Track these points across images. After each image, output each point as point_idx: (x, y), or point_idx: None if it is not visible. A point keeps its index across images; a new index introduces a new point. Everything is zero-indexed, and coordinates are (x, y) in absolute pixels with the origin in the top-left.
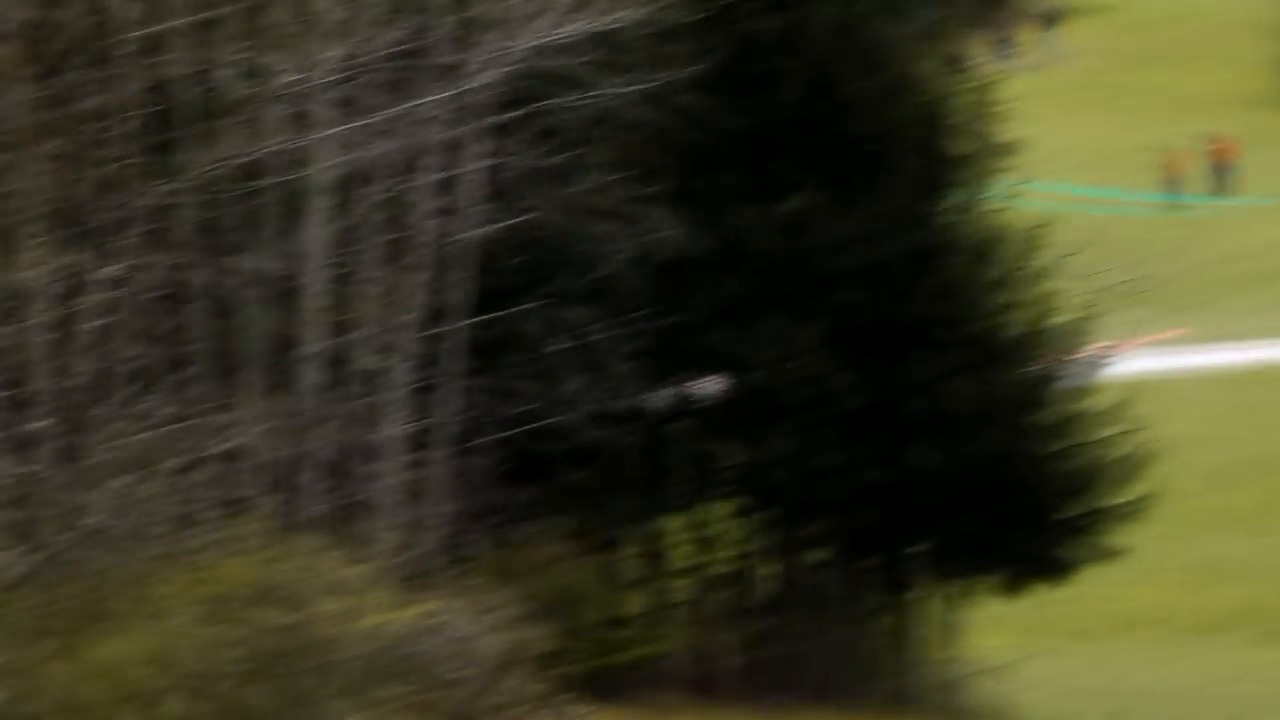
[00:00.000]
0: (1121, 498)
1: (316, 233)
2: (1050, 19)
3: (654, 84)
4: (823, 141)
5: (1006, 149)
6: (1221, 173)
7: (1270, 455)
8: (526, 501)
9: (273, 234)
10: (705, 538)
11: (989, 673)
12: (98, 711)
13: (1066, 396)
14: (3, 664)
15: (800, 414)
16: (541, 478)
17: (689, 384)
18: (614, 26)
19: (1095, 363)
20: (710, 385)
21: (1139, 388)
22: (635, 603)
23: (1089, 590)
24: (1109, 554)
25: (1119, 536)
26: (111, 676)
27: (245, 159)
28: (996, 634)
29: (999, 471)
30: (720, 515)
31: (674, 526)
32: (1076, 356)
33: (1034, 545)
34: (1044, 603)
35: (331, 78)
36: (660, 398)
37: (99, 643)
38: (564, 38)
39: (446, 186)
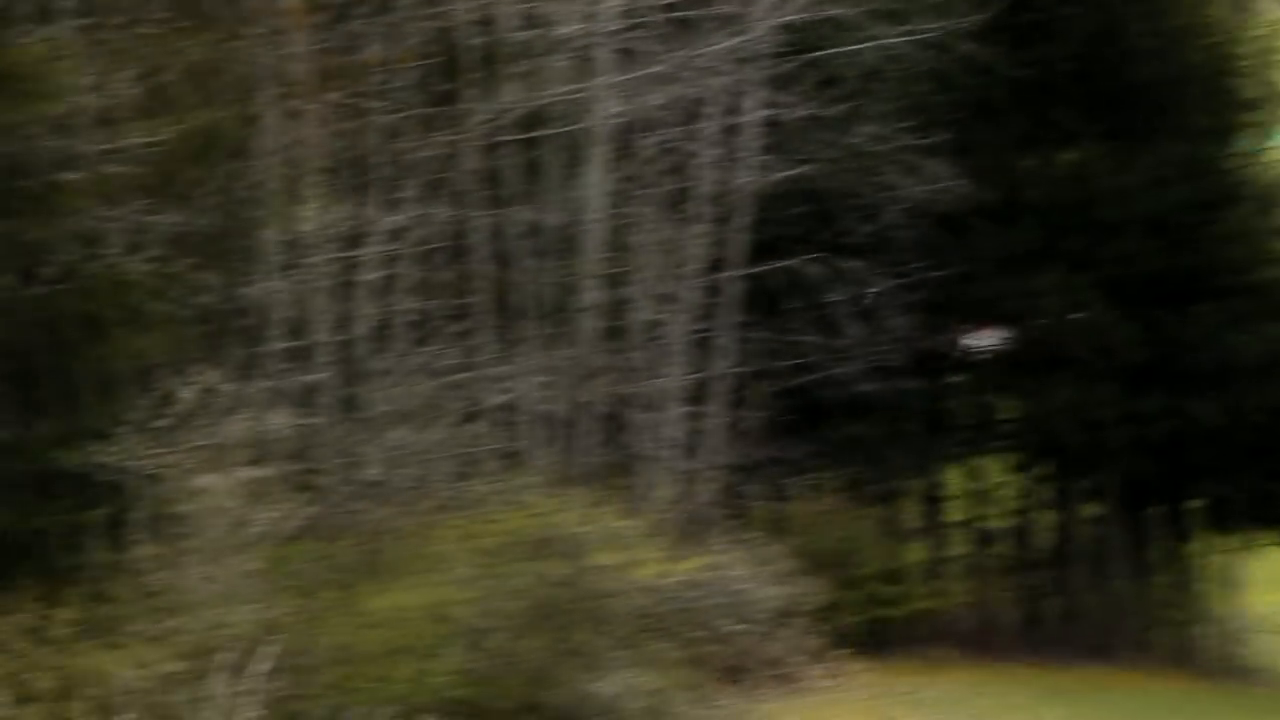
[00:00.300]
0: None
1: (596, 183)
2: None
3: (934, 32)
4: (1104, 90)
5: None
6: None
7: None
8: (803, 453)
9: (552, 184)
10: (983, 491)
11: (1269, 630)
12: (375, 662)
13: None
14: (283, 615)
15: (1080, 366)
16: (818, 429)
17: (967, 336)
18: None
19: None
20: (988, 337)
21: None
22: (912, 556)
23: None
24: None
25: None
26: (389, 628)
27: (526, 109)
28: (1278, 591)
29: None
30: (998, 468)
31: (951, 479)
32: None
33: None
34: None
35: (612, 26)
36: (939, 349)
37: (377, 594)
38: None
39: (726, 136)
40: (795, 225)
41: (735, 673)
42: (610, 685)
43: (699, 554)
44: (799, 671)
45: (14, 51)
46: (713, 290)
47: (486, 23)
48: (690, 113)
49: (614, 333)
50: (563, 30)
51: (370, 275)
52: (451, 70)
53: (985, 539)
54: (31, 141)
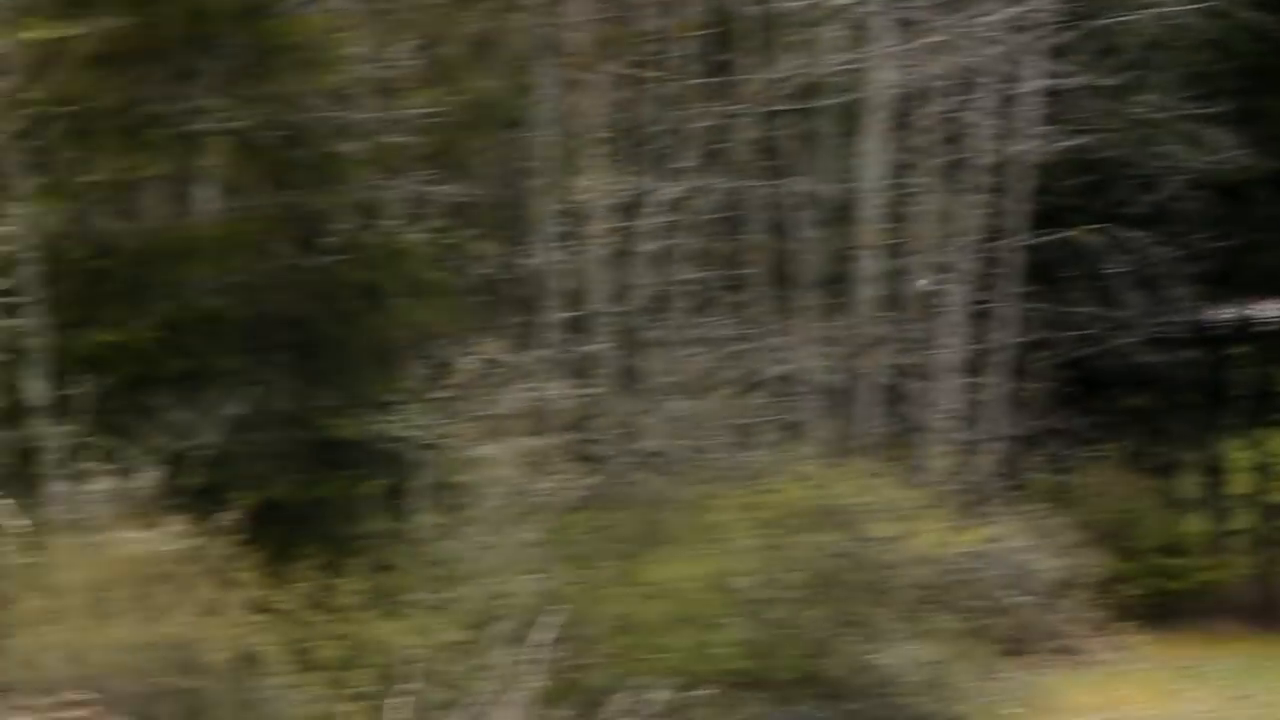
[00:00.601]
0: None
1: (873, 152)
2: None
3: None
4: None
5: None
6: None
7: None
8: (1083, 424)
9: (829, 154)
10: (1265, 463)
11: None
12: (655, 632)
13: None
14: (563, 585)
15: None
16: (1098, 400)
17: (1250, 307)
18: None
19: None
20: (1272, 308)
21: None
22: (1194, 529)
23: None
24: None
25: None
26: (669, 598)
27: (802, 78)
28: None
29: None
30: None
31: (1234, 452)
32: None
33: None
34: None
35: None
36: (1220, 321)
37: (656, 565)
38: None
39: (1004, 106)
40: (1075, 195)
41: (1016, 645)
42: (890, 657)
43: (979, 525)
44: (1080, 644)
45: (295, 22)
46: (991, 260)
47: None
48: (968, 82)
49: (892, 303)
50: None
51: (648, 245)
52: (728, 40)
53: (1270, 512)
54: (311, 112)
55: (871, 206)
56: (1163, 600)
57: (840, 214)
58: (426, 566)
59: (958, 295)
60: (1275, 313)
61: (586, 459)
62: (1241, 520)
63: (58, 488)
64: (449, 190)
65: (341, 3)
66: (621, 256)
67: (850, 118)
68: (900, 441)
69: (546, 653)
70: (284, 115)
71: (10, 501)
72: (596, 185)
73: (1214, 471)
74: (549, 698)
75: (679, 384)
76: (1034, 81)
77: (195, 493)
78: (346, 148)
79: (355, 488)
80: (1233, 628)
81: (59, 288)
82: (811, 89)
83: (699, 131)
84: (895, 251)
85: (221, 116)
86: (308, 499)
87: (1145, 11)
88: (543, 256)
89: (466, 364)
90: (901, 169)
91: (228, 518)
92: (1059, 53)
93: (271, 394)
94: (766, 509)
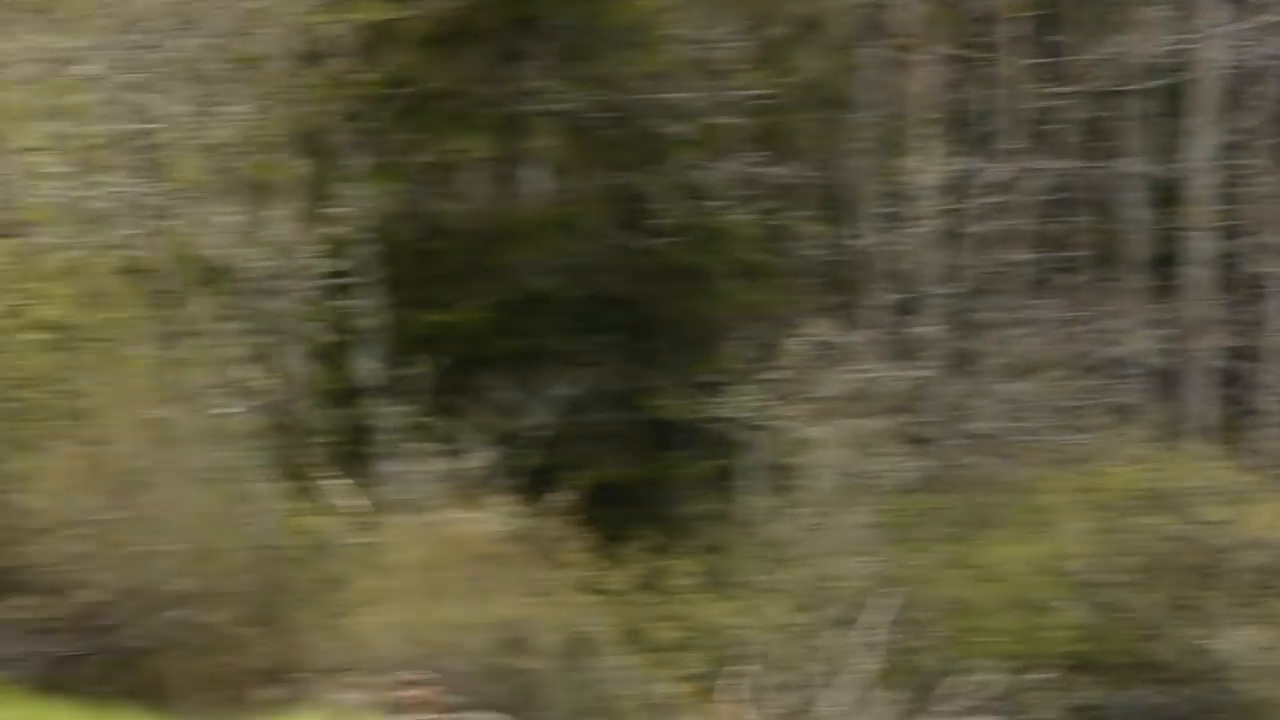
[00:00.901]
0: None
1: (1204, 133)
2: None
3: None
4: None
5: None
6: None
7: None
8: None
9: (1159, 135)
10: None
11: None
12: (987, 615)
13: None
14: (896, 568)
15: None
16: None
17: None
18: None
19: None
20: None
21: None
22: None
23: None
24: None
25: None
26: (1001, 581)
27: (1133, 59)
28: None
29: None
30: None
31: None
32: None
33: None
34: None
35: None
36: None
37: (988, 547)
38: None
39: None
40: None
41: None
42: (1225, 641)
43: None
44: None
45: (622, 4)
46: None
47: None
48: None
49: (1226, 285)
50: None
51: (977, 227)
52: (1056, 19)
53: None
54: (639, 93)
55: (1202, 187)
56: None
57: (1171, 195)
58: (757, 548)
59: None
60: None
61: (916, 441)
62: None
63: (391, 467)
64: (776, 171)
65: None
66: (950, 238)
67: (1181, 98)
68: (1233, 424)
69: (879, 635)
70: (611, 97)
71: (346, 481)
72: (924, 166)
73: None
74: (882, 680)
75: (1009, 366)
76: None
77: (527, 473)
78: (673, 129)
79: (685, 469)
80: None
81: (392, 269)
82: (1141, 69)
83: (1028, 112)
84: (1227, 233)
85: (549, 98)
86: (638, 480)
87: None
88: (870, 237)
89: (795, 345)
90: (1233, 149)
91: (559, 498)
92: None
93: (601, 375)
94: (1098, 492)
